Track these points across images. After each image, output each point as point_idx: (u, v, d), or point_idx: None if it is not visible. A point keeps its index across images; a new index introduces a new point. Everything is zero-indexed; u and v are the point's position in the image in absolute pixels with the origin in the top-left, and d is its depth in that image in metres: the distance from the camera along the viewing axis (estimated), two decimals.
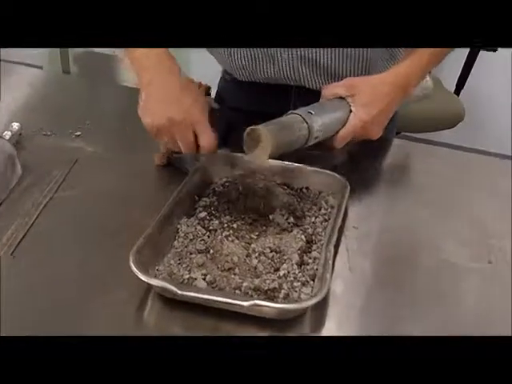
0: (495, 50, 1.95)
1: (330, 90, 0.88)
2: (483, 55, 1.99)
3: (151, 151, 0.92)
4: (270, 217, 0.76)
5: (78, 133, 1.02)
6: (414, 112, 1.81)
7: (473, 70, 2.06)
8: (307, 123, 0.78)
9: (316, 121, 0.79)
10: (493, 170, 1.00)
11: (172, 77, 0.81)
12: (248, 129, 0.74)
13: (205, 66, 1.21)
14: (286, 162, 0.86)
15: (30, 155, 0.93)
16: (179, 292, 0.61)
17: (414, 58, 0.87)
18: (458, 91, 2.13)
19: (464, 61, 2.04)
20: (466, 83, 2.11)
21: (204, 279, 0.66)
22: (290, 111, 0.80)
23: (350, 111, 0.85)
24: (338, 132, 0.85)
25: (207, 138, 0.79)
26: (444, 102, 2.05)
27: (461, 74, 2.09)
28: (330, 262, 0.66)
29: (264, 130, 0.72)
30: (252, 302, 0.59)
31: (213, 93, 1.11)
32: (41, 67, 2.46)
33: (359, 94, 0.85)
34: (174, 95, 0.79)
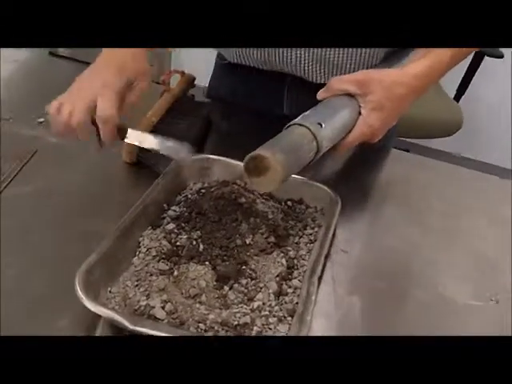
0: (501, 57, 1.85)
1: (338, 84, 0.74)
2: (487, 61, 1.90)
3: (121, 146, 0.81)
4: (248, 235, 0.66)
5: (42, 119, 0.90)
6: (409, 116, 1.72)
7: (475, 76, 1.95)
8: (317, 141, 0.65)
9: (326, 136, 0.66)
10: (496, 191, 0.90)
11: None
12: (253, 154, 0.61)
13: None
14: None
15: None
16: (130, 327, 0.51)
17: (435, 60, 0.74)
18: (458, 97, 2.03)
19: (467, 66, 1.94)
20: (467, 90, 2.01)
21: (163, 308, 0.56)
22: (298, 120, 0.67)
23: (359, 112, 0.73)
24: (343, 138, 0.73)
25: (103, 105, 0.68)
26: (442, 107, 1.95)
27: (463, 79, 1.99)
28: (313, 298, 0.56)
29: (274, 160, 0.59)
30: None
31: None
32: None
33: (371, 94, 0.72)
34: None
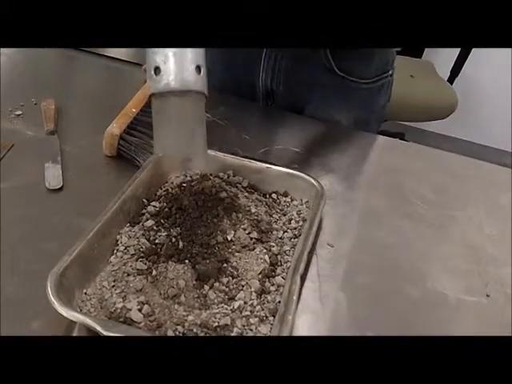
0: None
1: None
2: None
3: (102, 139, 0.78)
4: (230, 231, 0.64)
5: (19, 112, 0.88)
6: (402, 98, 1.69)
7: (470, 56, 1.92)
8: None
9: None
10: (494, 179, 0.87)
11: None
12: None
13: None
14: (253, 161, 0.73)
15: None
16: (104, 332, 0.49)
17: None
18: (451, 79, 2.00)
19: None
20: (461, 71, 1.97)
21: (140, 310, 0.54)
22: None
23: None
24: None
25: None
26: (436, 89, 1.92)
27: (456, 60, 1.96)
28: (295, 297, 0.54)
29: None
30: None
31: None
32: None
33: None
34: None
